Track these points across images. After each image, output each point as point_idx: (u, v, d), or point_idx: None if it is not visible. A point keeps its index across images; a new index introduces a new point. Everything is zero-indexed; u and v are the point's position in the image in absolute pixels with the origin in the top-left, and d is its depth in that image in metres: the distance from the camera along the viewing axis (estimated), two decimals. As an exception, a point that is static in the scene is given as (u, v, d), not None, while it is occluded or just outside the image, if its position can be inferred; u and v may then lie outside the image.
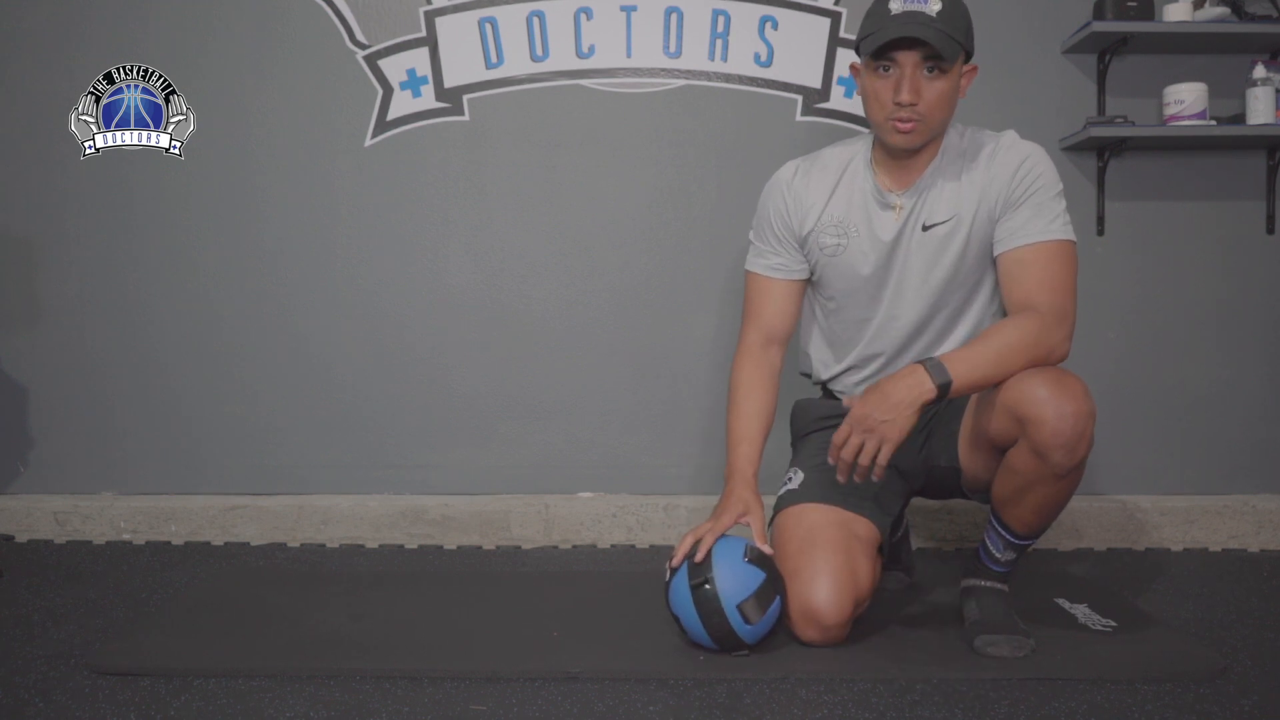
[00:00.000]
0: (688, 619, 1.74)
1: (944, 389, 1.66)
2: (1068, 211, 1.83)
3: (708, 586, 1.71)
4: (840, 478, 1.74)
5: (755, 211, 2.05)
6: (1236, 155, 2.70)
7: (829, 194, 1.94)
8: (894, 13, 1.76)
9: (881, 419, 1.66)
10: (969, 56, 1.84)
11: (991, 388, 1.72)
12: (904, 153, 1.86)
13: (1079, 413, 1.63)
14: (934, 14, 1.75)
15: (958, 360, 1.68)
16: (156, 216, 2.76)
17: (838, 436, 1.72)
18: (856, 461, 1.70)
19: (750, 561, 1.73)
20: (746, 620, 1.71)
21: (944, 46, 1.74)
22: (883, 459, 1.68)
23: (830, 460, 1.74)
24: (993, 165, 1.84)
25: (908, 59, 1.76)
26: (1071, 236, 1.81)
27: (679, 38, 2.71)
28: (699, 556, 1.75)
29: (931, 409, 1.91)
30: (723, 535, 1.79)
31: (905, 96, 1.77)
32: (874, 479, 1.72)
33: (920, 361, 1.69)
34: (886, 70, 1.79)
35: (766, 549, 1.80)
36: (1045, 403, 1.62)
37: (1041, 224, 1.80)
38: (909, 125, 1.79)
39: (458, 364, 2.78)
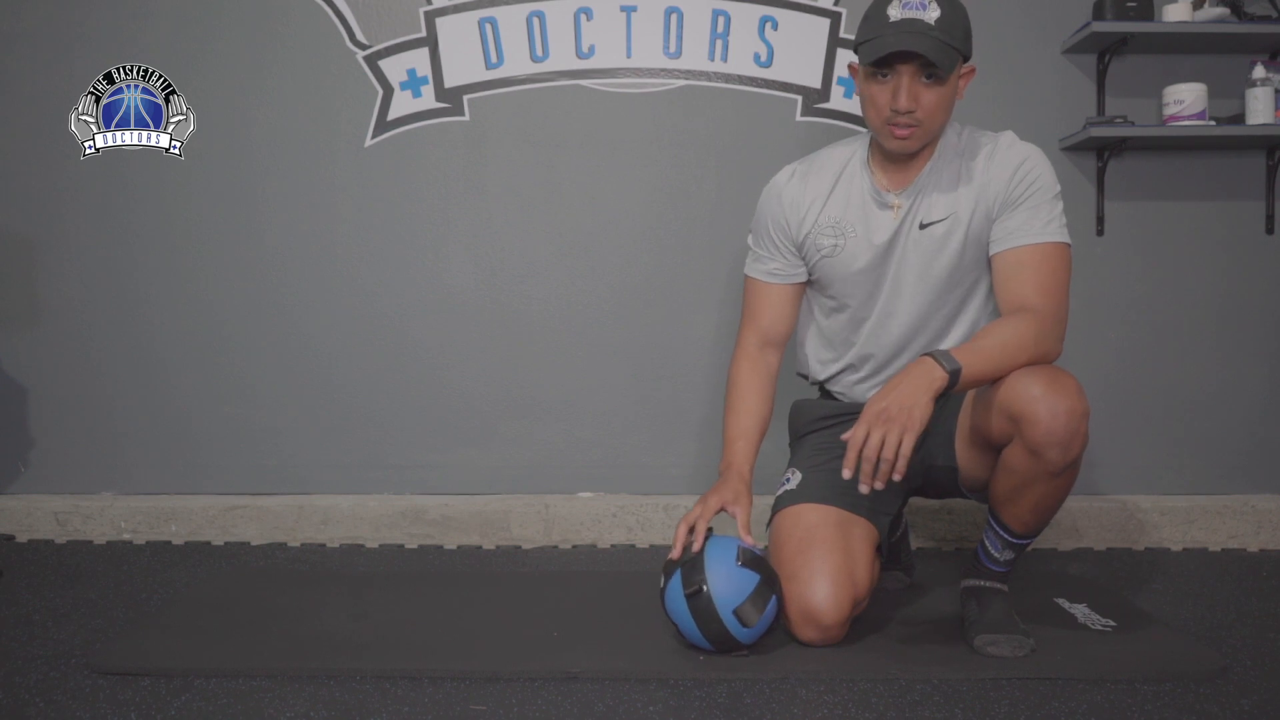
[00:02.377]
0: (685, 625, 1.74)
1: (954, 375, 1.64)
2: (1065, 214, 1.83)
3: (703, 593, 1.71)
4: (863, 487, 1.62)
5: (754, 214, 2.05)
6: (1236, 155, 2.70)
7: (826, 195, 1.94)
8: (892, 19, 1.76)
9: (899, 408, 1.61)
10: (967, 58, 1.83)
11: (987, 386, 1.73)
12: (901, 155, 1.86)
13: (1073, 411, 1.63)
14: (932, 22, 1.74)
15: (964, 351, 1.67)
16: (156, 216, 2.76)
17: (854, 438, 1.62)
18: (877, 467, 1.61)
19: (743, 565, 1.73)
20: (744, 624, 1.71)
21: (941, 58, 1.74)
22: (905, 449, 1.59)
23: (847, 471, 1.63)
24: (991, 165, 1.84)
25: (905, 67, 1.76)
26: (1067, 239, 1.81)
27: (679, 38, 2.71)
28: (696, 546, 1.75)
29: (940, 402, 1.91)
30: (715, 537, 1.79)
31: (903, 104, 1.77)
32: (895, 478, 1.61)
33: (927, 354, 1.67)
34: (884, 77, 1.79)
35: (750, 540, 1.79)
36: (1039, 400, 1.63)
37: (1038, 225, 1.80)
38: (907, 131, 1.80)
39: (458, 364, 2.78)
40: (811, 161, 2.00)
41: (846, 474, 1.63)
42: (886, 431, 1.60)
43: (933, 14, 1.75)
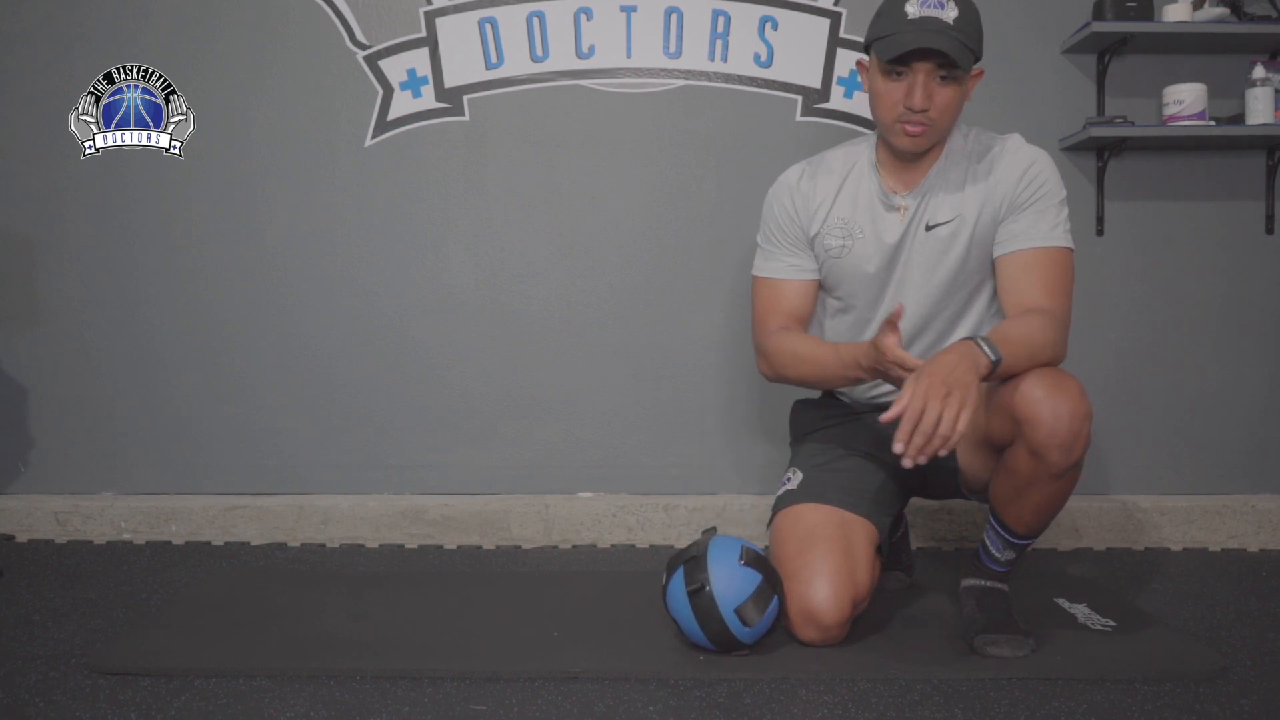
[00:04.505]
0: (686, 623, 1.75)
1: (996, 365, 1.61)
2: (1069, 218, 1.83)
3: (704, 591, 1.71)
4: (907, 461, 1.55)
5: (759, 218, 2.03)
6: (1236, 155, 2.70)
7: (834, 196, 1.94)
8: (910, 17, 1.75)
9: (958, 384, 1.56)
10: (979, 59, 1.84)
11: (992, 386, 1.72)
12: (909, 154, 1.86)
13: (1075, 413, 1.62)
14: (950, 21, 1.74)
15: (1000, 343, 1.64)
16: (156, 216, 2.76)
17: (911, 409, 1.54)
18: (925, 441, 1.54)
19: (746, 564, 1.73)
20: (744, 623, 1.71)
21: (961, 57, 1.74)
22: (962, 424, 1.53)
23: (899, 443, 1.55)
24: (998, 168, 1.84)
25: (922, 65, 1.76)
26: (1071, 244, 1.82)
27: (679, 38, 2.71)
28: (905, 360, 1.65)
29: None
30: (718, 536, 1.79)
31: (918, 102, 1.76)
32: (942, 454, 1.55)
33: (968, 339, 1.64)
34: (899, 75, 1.79)
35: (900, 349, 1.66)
36: (1042, 402, 1.62)
37: (1044, 229, 1.80)
38: (918, 129, 1.79)
39: (458, 364, 2.78)
40: (819, 162, 2.00)
41: (898, 448, 1.56)
42: (945, 405, 1.54)
43: (950, 13, 1.75)
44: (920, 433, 1.54)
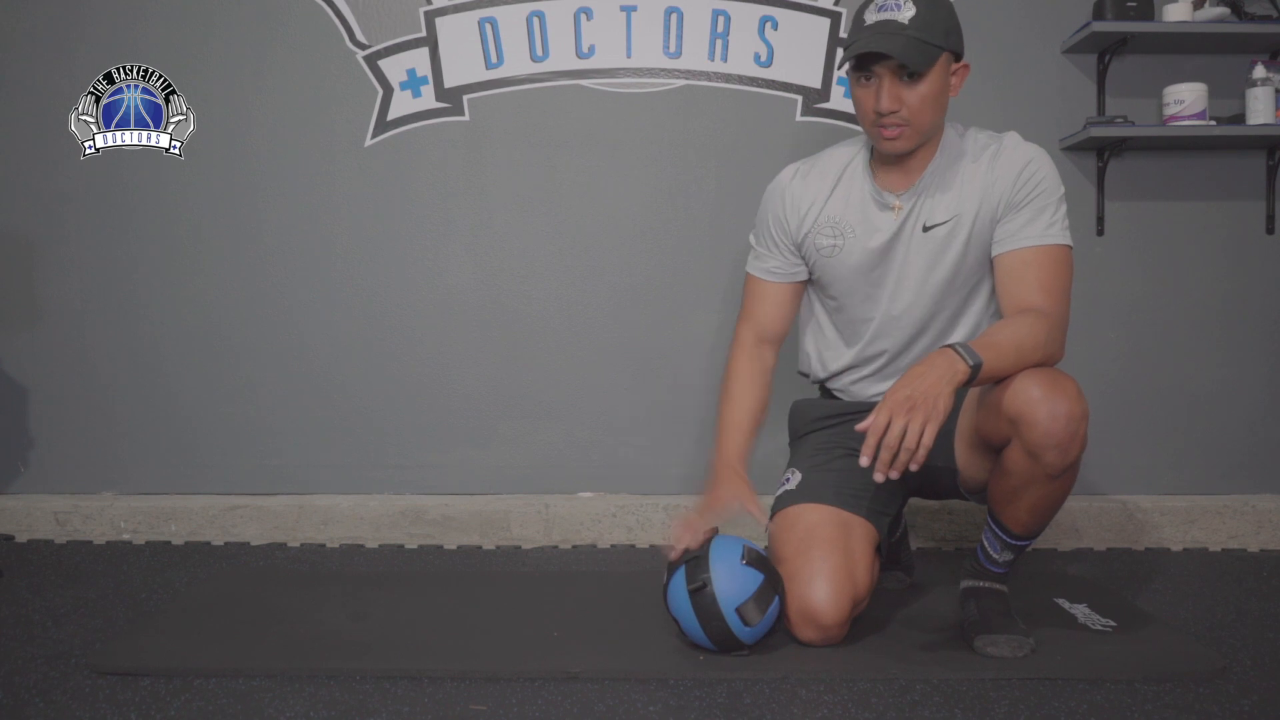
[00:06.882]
0: (686, 622, 1.75)
1: (976, 370, 1.62)
2: (1067, 215, 1.83)
3: (706, 590, 1.71)
4: (878, 475, 1.59)
5: (756, 212, 2.06)
6: (1236, 155, 2.70)
7: (827, 195, 1.95)
8: (868, 22, 1.78)
9: (924, 397, 1.58)
10: (959, 55, 1.84)
11: (989, 387, 1.72)
12: (897, 155, 1.87)
13: (1071, 413, 1.62)
14: (906, 21, 1.75)
15: (982, 346, 1.65)
16: (156, 216, 2.76)
17: (875, 425, 1.58)
18: (894, 456, 1.58)
19: (748, 564, 1.73)
20: (745, 623, 1.71)
21: (912, 57, 1.74)
22: (928, 439, 1.56)
23: (865, 457, 1.59)
24: (996, 166, 1.84)
25: (882, 69, 1.77)
26: (1070, 242, 1.82)
27: (679, 38, 2.71)
28: (694, 544, 1.76)
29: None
30: (720, 536, 1.79)
31: (884, 105, 1.78)
32: (912, 469, 1.58)
33: (948, 345, 1.66)
34: (867, 79, 1.80)
35: (761, 518, 1.80)
36: (1038, 403, 1.62)
37: (1042, 227, 1.80)
38: (895, 131, 1.80)
39: (458, 364, 2.78)
40: (815, 161, 2.00)
41: (864, 461, 1.60)
42: (909, 420, 1.57)
43: (907, 14, 1.75)
44: (885, 448, 1.58)
